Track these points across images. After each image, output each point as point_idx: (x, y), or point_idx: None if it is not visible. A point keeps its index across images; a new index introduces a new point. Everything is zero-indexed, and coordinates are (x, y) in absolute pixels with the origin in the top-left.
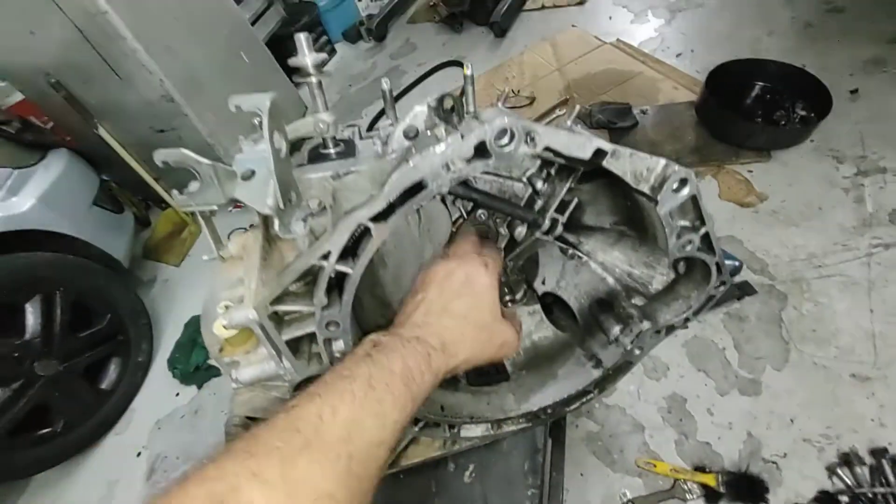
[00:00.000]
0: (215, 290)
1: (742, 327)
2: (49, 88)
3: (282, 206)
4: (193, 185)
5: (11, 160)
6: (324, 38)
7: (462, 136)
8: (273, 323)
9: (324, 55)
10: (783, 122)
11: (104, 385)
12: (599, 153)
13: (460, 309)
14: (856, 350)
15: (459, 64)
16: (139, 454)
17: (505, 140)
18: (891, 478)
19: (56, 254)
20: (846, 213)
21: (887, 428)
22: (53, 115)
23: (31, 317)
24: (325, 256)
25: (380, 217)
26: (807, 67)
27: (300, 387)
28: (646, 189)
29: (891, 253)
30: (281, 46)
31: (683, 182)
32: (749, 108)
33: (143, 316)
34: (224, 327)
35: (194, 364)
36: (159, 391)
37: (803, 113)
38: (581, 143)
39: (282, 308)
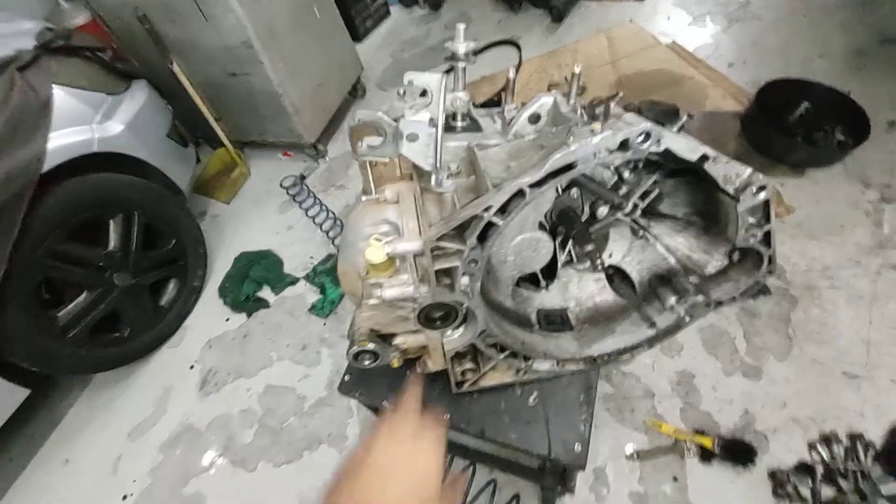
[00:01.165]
0: (360, 225)
1: (753, 322)
2: (134, 20)
3: (439, 165)
4: (374, 140)
5: (105, 86)
6: (380, 1)
7: (612, 133)
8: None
9: (474, 44)
10: (821, 144)
11: (163, 302)
12: (704, 157)
13: (399, 490)
14: (851, 353)
15: (514, 44)
16: (192, 367)
17: (641, 139)
18: (861, 458)
19: (137, 178)
20: (864, 233)
21: (866, 419)
22: (130, 46)
23: (114, 232)
24: (487, 209)
25: (535, 185)
26: (852, 94)
27: (423, 310)
28: (731, 190)
29: None
30: (345, 3)
31: (762, 188)
32: (791, 126)
33: (200, 245)
34: (385, 254)
35: (245, 294)
36: (210, 315)
37: (841, 137)
38: (693, 148)
39: (441, 244)
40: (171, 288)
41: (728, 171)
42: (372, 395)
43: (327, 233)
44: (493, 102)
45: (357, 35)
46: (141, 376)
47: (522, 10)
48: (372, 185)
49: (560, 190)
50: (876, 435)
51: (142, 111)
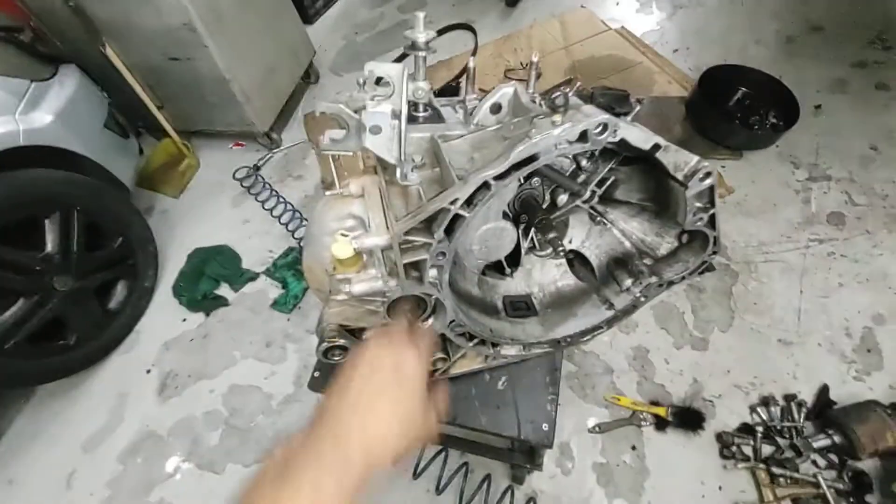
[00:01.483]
0: (325, 221)
1: (699, 297)
2: None
3: (403, 158)
4: (336, 134)
5: (27, 71)
6: None
7: (572, 125)
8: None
9: (433, 33)
10: (756, 127)
11: (112, 305)
12: (656, 147)
13: (387, 406)
14: (784, 321)
15: (470, 28)
16: (149, 371)
17: (599, 130)
18: (795, 415)
19: (73, 173)
20: (794, 210)
21: (799, 381)
22: (53, 25)
23: (51, 233)
24: (453, 202)
25: (500, 177)
26: (783, 78)
27: (392, 304)
28: (680, 176)
29: (823, 247)
30: None
31: (708, 175)
32: (730, 111)
33: (150, 242)
34: (353, 250)
35: (202, 292)
36: (165, 315)
37: (774, 121)
38: (646, 138)
39: (409, 238)
40: (120, 290)
41: (677, 160)
42: None
43: (286, 225)
44: (451, 88)
45: (308, 17)
46: (92, 384)
47: None
48: (336, 179)
49: (522, 179)
50: (808, 395)
51: (72, 99)
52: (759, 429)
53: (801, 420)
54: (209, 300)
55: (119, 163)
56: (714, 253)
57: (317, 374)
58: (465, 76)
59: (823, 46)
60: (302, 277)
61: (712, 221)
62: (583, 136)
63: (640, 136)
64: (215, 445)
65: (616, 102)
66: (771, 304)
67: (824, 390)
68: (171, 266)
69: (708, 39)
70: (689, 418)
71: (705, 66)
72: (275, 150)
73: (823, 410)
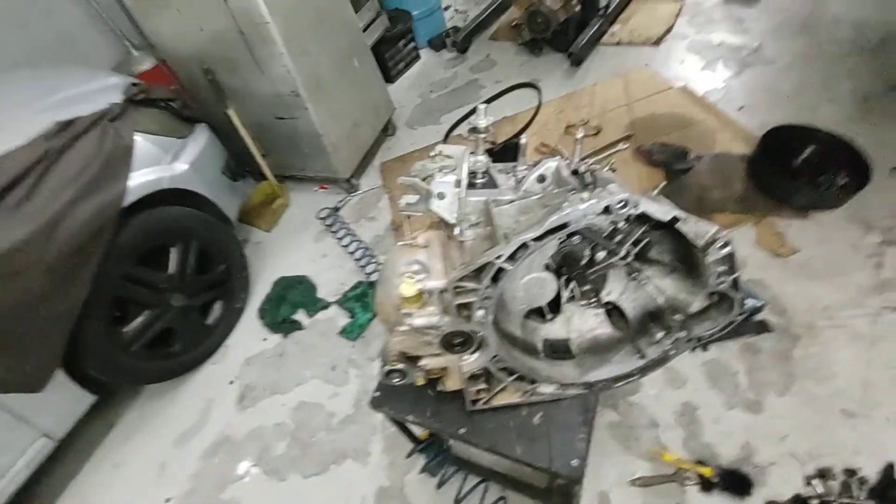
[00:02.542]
0: (396, 265)
1: (756, 358)
2: (198, 71)
3: (460, 219)
4: (410, 198)
5: (175, 131)
6: (411, 45)
7: (598, 201)
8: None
9: (491, 119)
10: (825, 187)
11: (210, 321)
12: (675, 219)
13: None
14: (849, 391)
15: (534, 86)
16: (232, 382)
17: (621, 206)
18: (855, 492)
19: (194, 210)
20: (865, 275)
21: (861, 455)
22: (192, 91)
23: (174, 258)
24: (498, 257)
25: (537, 239)
26: (857, 138)
27: (445, 337)
28: (700, 244)
29: None
30: (380, 49)
31: (726, 244)
32: (796, 169)
33: (244, 269)
34: (416, 290)
35: (282, 316)
36: (250, 334)
37: (845, 181)
38: (665, 211)
39: (461, 283)
40: (217, 308)
41: (697, 230)
42: (398, 410)
43: (358, 261)
44: (513, 144)
45: (389, 77)
46: (187, 389)
47: (544, 54)
48: (408, 231)
49: (564, 237)
50: (871, 471)
51: (203, 152)
52: (815, 502)
53: (863, 497)
54: (287, 324)
55: (228, 201)
56: (742, 315)
57: (378, 393)
58: (522, 139)
59: None
60: (368, 309)
61: (735, 285)
62: (606, 210)
63: (660, 210)
64: (281, 454)
65: (674, 158)
66: (835, 372)
67: (890, 468)
68: (259, 291)
69: (777, 98)
70: (736, 482)
71: (771, 125)
72: (353, 194)
73: (888, 489)
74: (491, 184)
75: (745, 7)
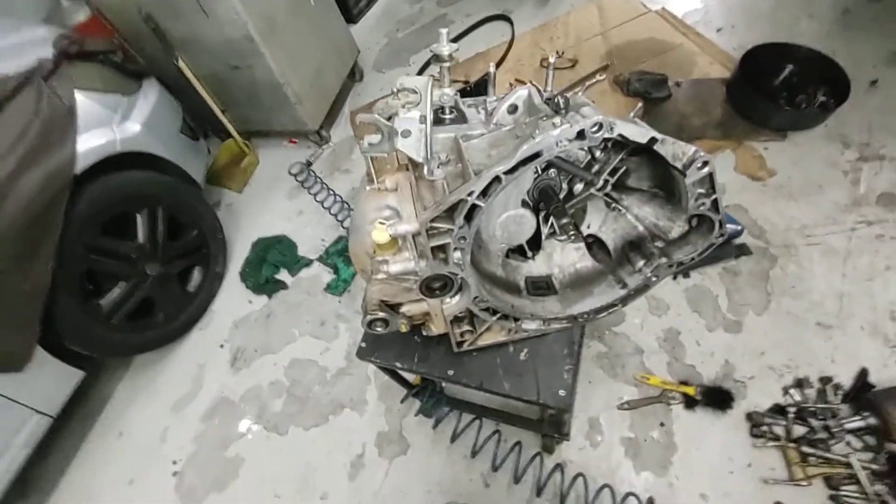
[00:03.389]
0: (366, 211)
1: (735, 280)
2: (138, 19)
3: (429, 156)
4: (373, 138)
5: (120, 87)
6: None
7: (570, 125)
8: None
9: (455, 46)
10: (804, 106)
11: (191, 288)
12: (653, 140)
13: None
14: (824, 304)
15: (506, 18)
16: (222, 346)
17: (596, 129)
18: (830, 397)
19: (157, 173)
20: (841, 192)
21: (836, 364)
22: (135, 43)
23: (141, 226)
24: (470, 194)
25: (509, 172)
26: (836, 54)
27: (424, 282)
28: (679, 165)
29: (871, 229)
30: None
31: (705, 163)
32: (775, 91)
33: (219, 233)
34: (389, 236)
35: (264, 277)
36: (234, 298)
37: (823, 99)
38: (643, 133)
39: (434, 225)
40: (197, 275)
41: (675, 151)
42: (386, 358)
43: (336, 216)
44: (486, 80)
45: (351, 17)
46: (177, 356)
47: None
48: (374, 175)
49: (539, 170)
50: (845, 378)
51: (155, 109)
52: (792, 410)
53: (837, 402)
54: (271, 284)
55: (192, 163)
56: (721, 236)
57: (363, 344)
58: (497, 67)
59: (884, 17)
60: (351, 263)
61: (716, 206)
62: (580, 135)
63: (637, 132)
64: (279, 411)
65: (652, 87)
66: (810, 288)
67: (863, 373)
68: (238, 254)
69: (756, 16)
70: (718, 398)
71: (751, 45)
72: (324, 147)
73: (861, 393)
74: (460, 118)
75: None
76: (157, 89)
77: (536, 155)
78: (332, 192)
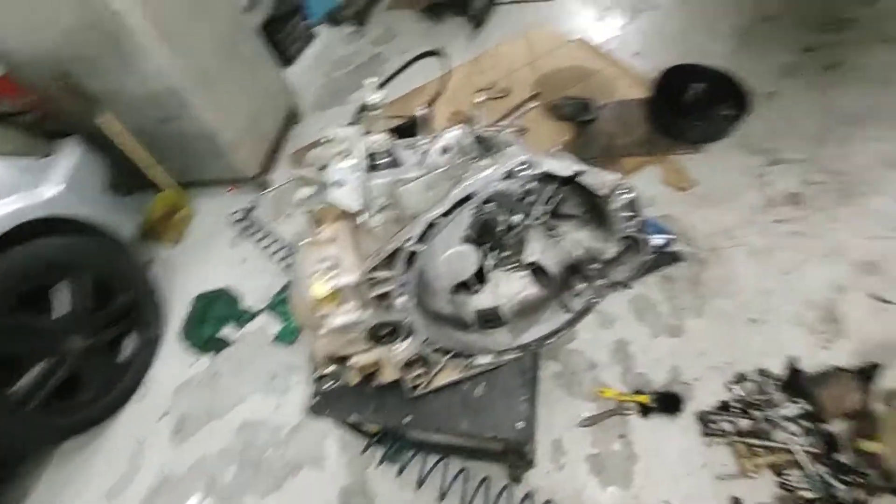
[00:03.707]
0: (305, 265)
1: (672, 287)
2: (55, 77)
3: (365, 205)
4: (306, 192)
5: (35, 149)
6: (305, 23)
7: (498, 166)
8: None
9: (384, 92)
10: (713, 120)
11: (124, 357)
12: (577, 173)
13: None
14: (752, 301)
15: (437, 53)
16: (162, 417)
17: (522, 167)
18: (767, 389)
19: (81, 237)
20: (755, 195)
21: (769, 356)
22: (52, 101)
23: (63, 296)
24: (407, 241)
25: (444, 215)
26: (739, 70)
27: (370, 331)
28: (602, 193)
29: (784, 227)
30: (270, 31)
31: (627, 190)
32: (688, 108)
33: (155, 293)
34: (327, 290)
35: (207, 335)
36: (174, 361)
37: (730, 112)
38: (566, 166)
39: (374, 274)
40: (130, 342)
41: (598, 180)
42: (340, 412)
43: (282, 262)
44: (410, 122)
45: (286, 60)
46: (111, 435)
47: (444, 19)
48: (311, 227)
49: (478, 207)
50: (778, 369)
51: (77, 169)
52: (736, 405)
53: (774, 393)
54: (214, 341)
55: (121, 221)
56: (650, 253)
57: (316, 399)
58: (435, 101)
59: (777, 35)
60: None
61: (641, 228)
62: (509, 174)
63: (561, 166)
64: (231, 480)
65: (580, 111)
66: (739, 287)
67: (792, 362)
68: (177, 313)
69: (667, 41)
70: (669, 402)
71: (665, 67)
72: (266, 191)
73: (793, 381)
74: (394, 163)
75: None
76: (80, 147)
77: (469, 196)
78: (276, 238)
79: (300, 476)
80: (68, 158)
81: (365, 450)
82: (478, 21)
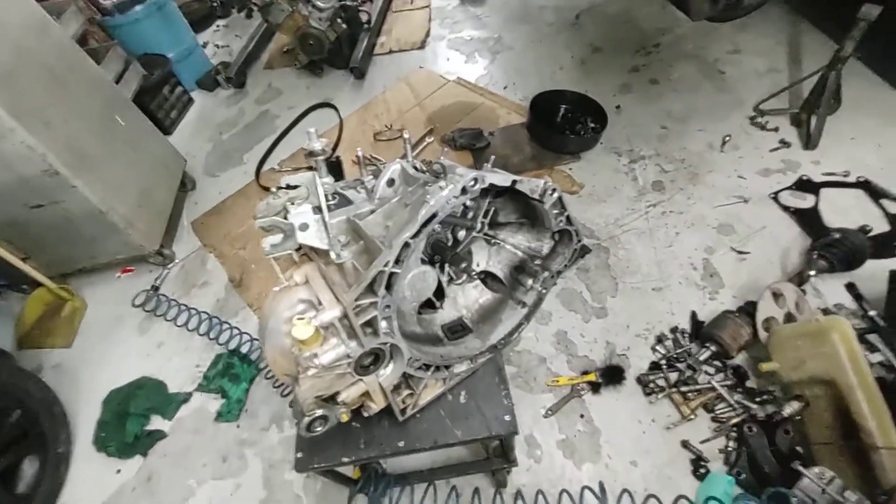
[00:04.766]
0: (278, 312)
1: (588, 275)
2: None
3: (332, 242)
4: (273, 239)
5: None
6: (179, 90)
7: (454, 185)
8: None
9: (326, 140)
10: (582, 133)
11: (22, 489)
12: (514, 182)
13: None
14: (651, 274)
15: (332, 106)
16: None
17: (473, 183)
18: (682, 342)
19: None
20: (629, 188)
21: (676, 315)
22: None
23: None
24: (386, 264)
25: (414, 236)
26: (588, 92)
27: (360, 358)
28: (536, 196)
29: (656, 209)
30: (143, 101)
31: (554, 190)
32: (560, 125)
33: (54, 403)
34: (311, 331)
35: (132, 434)
36: (93, 475)
37: (593, 125)
38: (506, 178)
39: (359, 302)
40: (28, 467)
41: (531, 186)
42: (330, 458)
43: (206, 334)
44: (334, 163)
45: (165, 128)
46: None
47: (325, 73)
48: (280, 275)
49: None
50: (685, 323)
51: None
52: (663, 362)
53: (687, 344)
54: (143, 439)
55: None
56: (579, 241)
57: (299, 454)
58: (334, 150)
59: (607, 62)
60: (239, 380)
61: (569, 220)
62: (463, 191)
63: (501, 178)
64: None
65: (473, 139)
66: (639, 264)
67: (693, 315)
68: (85, 420)
69: (525, 74)
70: (613, 375)
71: (531, 95)
72: (170, 266)
73: (698, 331)
74: (344, 201)
75: (477, 7)
76: None
77: (434, 216)
78: (193, 311)
79: None
80: None
81: (351, 499)
82: (360, 72)
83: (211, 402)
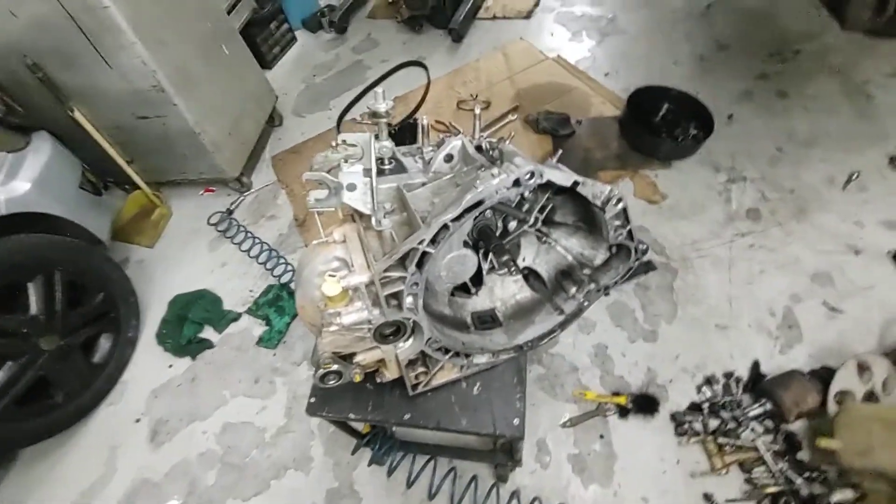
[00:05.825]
0: (314, 265)
1: (646, 294)
2: (23, 69)
3: (375, 208)
4: (319, 194)
5: (3, 144)
6: (285, 27)
7: (507, 175)
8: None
9: (391, 103)
10: (680, 139)
11: (97, 359)
12: (576, 183)
13: None
14: (719, 308)
15: (422, 65)
16: (138, 420)
17: (529, 177)
18: (734, 390)
19: (53, 235)
20: (719, 210)
21: (735, 359)
22: (20, 95)
23: (35, 295)
24: (421, 242)
25: (455, 219)
26: (699, 94)
27: (380, 327)
28: (598, 203)
29: (745, 240)
30: (250, 33)
31: (619, 200)
32: (657, 126)
33: (130, 294)
34: (340, 288)
35: (186, 338)
36: (151, 364)
37: (695, 132)
38: (567, 177)
39: (387, 274)
40: (104, 342)
41: (594, 191)
42: (339, 411)
43: (264, 264)
44: (409, 124)
45: (266, 63)
46: (82, 439)
47: (424, 31)
48: (320, 228)
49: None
50: (743, 371)
51: (47, 165)
52: (705, 406)
53: (739, 393)
54: (194, 344)
55: (94, 220)
56: (637, 261)
57: (312, 399)
58: (423, 119)
59: (731, 62)
60: (285, 313)
61: (630, 235)
62: (516, 183)
63: (562, 177)
64: (212, 484)
65: (559, 125)
66: (707, 295)
67: (755, 365)
68: (153, 314)
69: (633, 63)
70: (646, 404)
71: (633, 87)
72: (246, 193)
73: (756, 383)
74: (399, 168)
75: None
76: (50, 143)
77: (479, 203)
78: (258, 241)
79: (286, 478)
80: (38, 154)
81: (355, 450)
82: (458, 35)
83: (256, 327)
